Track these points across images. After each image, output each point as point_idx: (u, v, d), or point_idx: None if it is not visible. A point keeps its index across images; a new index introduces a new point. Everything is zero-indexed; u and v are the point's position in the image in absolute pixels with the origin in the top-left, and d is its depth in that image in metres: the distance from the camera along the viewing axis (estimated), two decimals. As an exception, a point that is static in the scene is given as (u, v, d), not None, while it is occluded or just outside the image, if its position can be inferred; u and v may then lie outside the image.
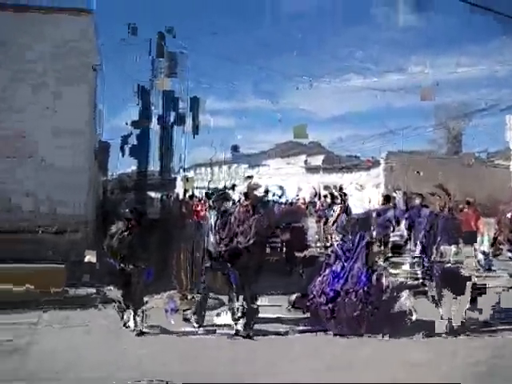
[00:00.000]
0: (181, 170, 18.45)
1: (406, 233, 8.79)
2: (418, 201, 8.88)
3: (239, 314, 7.39)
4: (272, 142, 38.82)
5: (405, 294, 7.53)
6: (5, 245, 9.04)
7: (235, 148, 39.20)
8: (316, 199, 20.47)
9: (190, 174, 30.08)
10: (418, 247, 8.30)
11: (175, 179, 18.30)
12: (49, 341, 6.81)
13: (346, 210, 12.44)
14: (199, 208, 16.67)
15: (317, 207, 17.85)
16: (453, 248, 8.10)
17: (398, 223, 13.02)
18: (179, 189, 19.27)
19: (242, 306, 7.39)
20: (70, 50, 11.49)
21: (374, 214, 13.13)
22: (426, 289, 7.95)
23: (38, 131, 11.25)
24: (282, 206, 18.35)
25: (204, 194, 16.08)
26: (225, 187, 10.49)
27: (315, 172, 31.40)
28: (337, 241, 8.18)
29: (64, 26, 11.38)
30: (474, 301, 7.72)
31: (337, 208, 12.79)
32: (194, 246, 8.88)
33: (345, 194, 11.31)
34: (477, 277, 8.47)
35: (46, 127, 11.28)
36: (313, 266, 9.01)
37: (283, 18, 49.20)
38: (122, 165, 17.96)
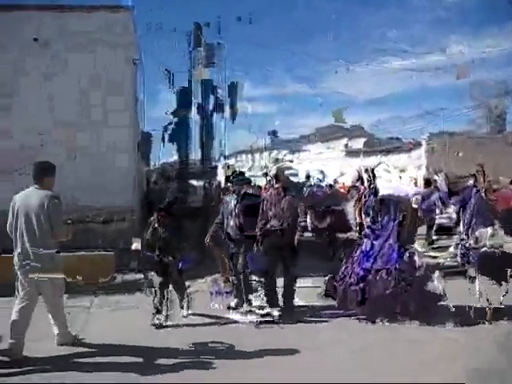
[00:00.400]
0: (221, 158, 18.76)
1: (455, 215, 8.56)
2: (471, 181, 8.41)
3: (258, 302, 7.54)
4: (312, 127, 38.82)
5: (437, 274, 7.30)
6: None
7: (274, 134, 39.41)
8: (358, 183, 20.39)
9: (231, 161, 30.48)
10: (464, 230, 8.01)
11: (216, 167, 18.61)
12: (101, 322, 7.32)
13: (374, 191, 12.31)
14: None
15: (361, 191, 17.80)
16: (489, 230, 7.66)
17: (445, 205, 12.92)
18: (221, 176, 19.63)
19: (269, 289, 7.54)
20: (112, 45, 11.91)
21: (412, 197, 13.03)
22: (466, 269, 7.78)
23: (86, 126, 11.80)
24: (322, 189, 18.43)
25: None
26: (243, 171, 10.15)
27: (356, 156, 31.30)
28: (366, 222, 7.87)
29: (105, 22, 11.81)
30: None
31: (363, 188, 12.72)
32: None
33: (374, 176, 11.17)
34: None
35: (94, 122, 11.82)
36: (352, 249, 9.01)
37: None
38: (164, 154, 18.40)
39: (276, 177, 8.07)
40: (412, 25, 57.82)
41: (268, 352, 6.06)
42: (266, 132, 36.58)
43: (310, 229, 11.67)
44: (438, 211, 12.98)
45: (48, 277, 5.91)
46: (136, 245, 9.07)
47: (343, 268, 7.53)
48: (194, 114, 17.41)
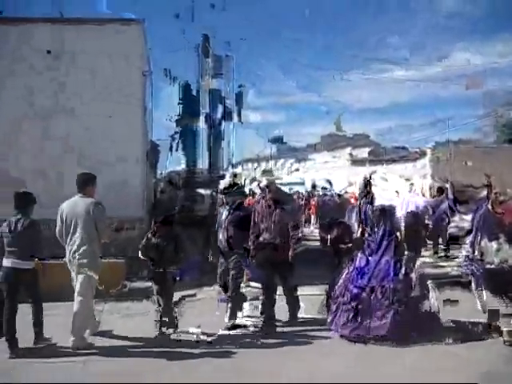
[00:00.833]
0: (229, 167, 19.00)
1: (463, 224, 8.48)
2: (484, 192, 8.52)
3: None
4: (316, 135, 39.06)
5: (433, 293, 6.97)
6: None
7: (281, 142, 39.68)
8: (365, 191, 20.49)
9: (238, 169, 30.69)
10: (470, 241, 7.90)
11: (224, 176, 18.81)
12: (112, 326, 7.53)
13: (371, 199, 12.07)
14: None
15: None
16: (494, 245, 7.51)
17: (453, 213, 12.82)
18: (227, 185, 19.71)
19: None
20: (123, 57, 12.17)
21: (423, 209, 12.90)
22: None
23: (96, 136, 12.01)
24: (328, 199, 18.56)
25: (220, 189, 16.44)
26: (237, 183, 9.77)
27: (361, 165, 31.43)
28: (365, 231, 7.63)
29: (117, 35, 12.08)
30: None
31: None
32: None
33: (369, 184, 10.71)
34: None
35: (104, 133, 12.02)
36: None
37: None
38: (171, 163, 18.64)
39: (267, 188, 7.88)
40: (420, 32, 58.06)
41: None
42: (272, 141, 36.89)
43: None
44: (446, 221, 12.93)
45: (89, 273, 6.61)
46: None
47: (338, 285, 7.09)
48: (201, 123, 17.65)
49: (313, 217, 22.83)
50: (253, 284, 9.00)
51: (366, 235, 7.55)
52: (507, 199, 12.82)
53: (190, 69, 17.18)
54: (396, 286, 6.59)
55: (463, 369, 5.63)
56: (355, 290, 6.70)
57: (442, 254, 12.91)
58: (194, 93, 17.35)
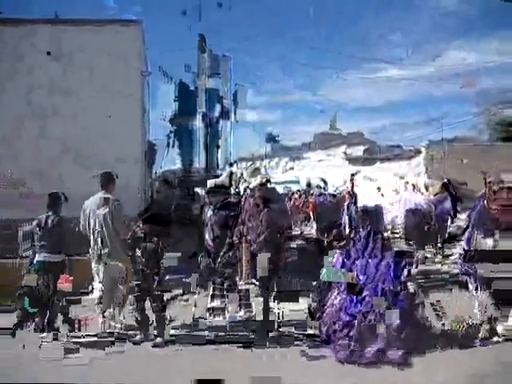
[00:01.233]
0: (226, 166, 19.02)
1: (463, 222, 8.09)
2: (483, 190, 8.03)
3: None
4: (311, 134, 39.15)
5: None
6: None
7: (275, 141, 39.75)
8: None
9: (234, 168, 30.66)
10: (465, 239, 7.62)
11: (220, 175, 18.78)
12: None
13: (355, 200, 11.58)
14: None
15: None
16: (488, 241, 7.24)
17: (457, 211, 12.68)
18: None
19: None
20: (122, 57, 12.24)
21: (425, 205, 12.79)
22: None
23: (96, 136, 12.05)
24: (324, 199, 18.62)
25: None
26: (226, 184, 9.88)
27: (356, 163, 31.54)
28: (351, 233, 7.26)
29: (116, 36, 12.14)
30: None
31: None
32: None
33: (352, 184, 10.48)
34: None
35: (104, 132, 12.05)
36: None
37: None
38: (167, 162, 18.66)
39: (255, 187, 7.95)
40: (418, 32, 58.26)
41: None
42: (267, 139, 36.93)
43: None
44: (449, 221, 12.74)
45: (114, 262, 6.92)
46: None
47: (328, 311, 6.61)
48: (198, 122, 17.68)
49: (312, 216, 22.84)
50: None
51: (352, 235, 7.21)
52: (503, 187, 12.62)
53: (188, 68, 17.21)
54: (396, 289, 6.38)
55: (462, 373, 5.60)
56: (347, 318, 6.38)
57: (438, 252, 12.91)
58: (192, 92, 17.39)
